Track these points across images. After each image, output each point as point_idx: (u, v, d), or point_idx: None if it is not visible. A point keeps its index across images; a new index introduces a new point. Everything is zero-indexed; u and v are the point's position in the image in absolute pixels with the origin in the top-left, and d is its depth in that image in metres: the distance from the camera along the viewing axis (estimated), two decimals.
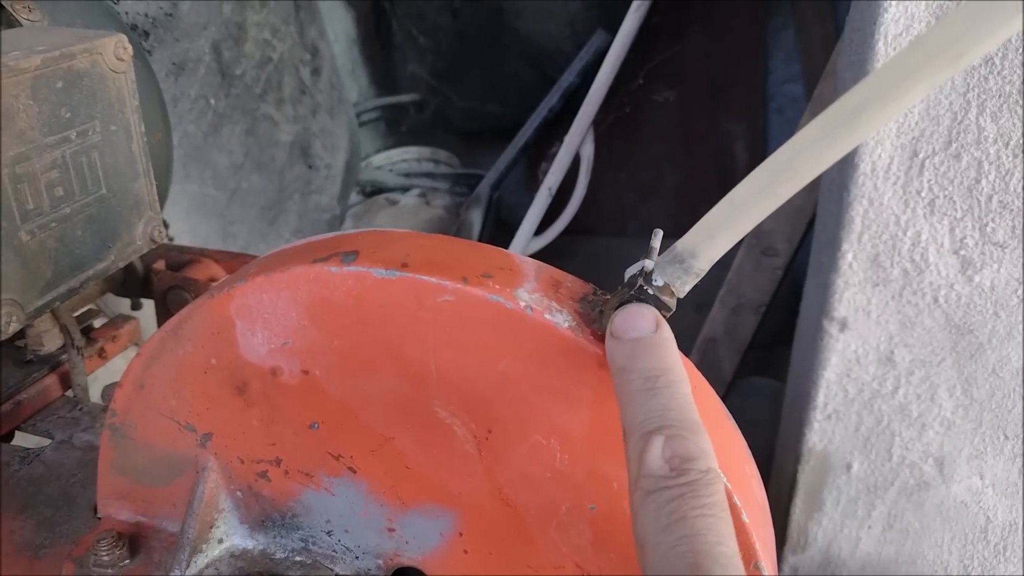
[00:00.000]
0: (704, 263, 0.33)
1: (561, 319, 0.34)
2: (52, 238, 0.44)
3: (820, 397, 0.90)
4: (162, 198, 0.67)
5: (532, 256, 0.42)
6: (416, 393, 0.37)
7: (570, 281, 0.37)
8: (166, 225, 0.96)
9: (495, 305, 0.34)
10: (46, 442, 0.55)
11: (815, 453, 0.97)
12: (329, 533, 0.43)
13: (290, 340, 0.38)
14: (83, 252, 0.47)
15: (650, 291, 0.33)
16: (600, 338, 0.34)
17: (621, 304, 0.34)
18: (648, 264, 0.34)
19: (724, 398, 1.41)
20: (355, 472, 0.40)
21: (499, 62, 1.49)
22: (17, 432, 0.57)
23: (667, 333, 0.32)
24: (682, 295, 0.33)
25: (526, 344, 0.34)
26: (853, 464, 0.96)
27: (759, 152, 1.71)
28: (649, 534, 0.26)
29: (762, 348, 1.49)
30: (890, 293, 0.76)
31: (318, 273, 0.36)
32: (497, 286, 0.34)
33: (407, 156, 1.70)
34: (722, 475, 0.28)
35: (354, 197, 1.62)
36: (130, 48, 0.46)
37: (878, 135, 0.66)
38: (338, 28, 1.45)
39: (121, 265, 0.51)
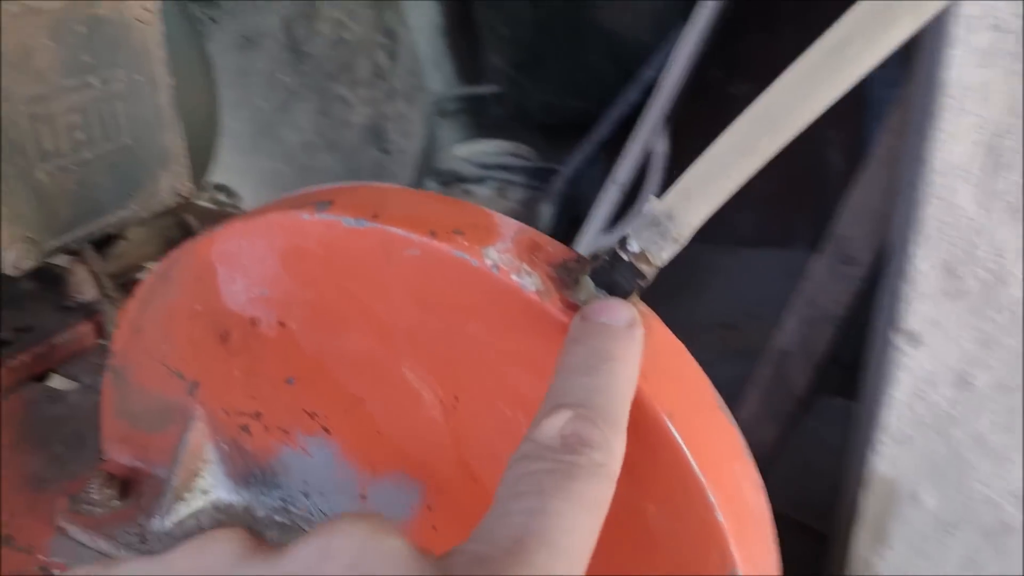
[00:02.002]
0: (683, 227, 0.30)
1: (529, 282, 0.32)
2: (71, 181, 0.46)
3: (887, 418, 0.83)
4: (208, 160, 0.68)
5: None
6: (385, 352, 0.36)
7: (552, 246, 0.35)
8: (232, 194, 0.99)
9: (460, 262, 0.32)
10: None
11: (880, 480, 0.89)
12: (306, 495, 0.42)
13: (266, 290, 0.37)
14: (104, 198, 0.48)
15: (625, 258, 0.31)
16: (570, 306, 0.32)
17: (595, 271, 0.31)
18: (626, 229, 0.31)
19: (797, 416, 1.33)
20: (329, 432, 0.39)
21: (578, 55, 1.46)
22: (55, 375, 0.59)
23: (638, 333, 0.29)
24: (660, 264, 0.31)
25: (491, 306, 0.32)
26: (923, 496, 0.88)
27: (858, 159, 1.61)
28: (500, 498, 0.23)
29: (847, 366, 1.40)
30: (967, 306, 0.69)
31: (291, 220, 0.35)
32: (466, 243, 0.33)
33: (488, 148, 1.70)
34: (616, 482, 0.25)
35: (431, 185, 1.63)
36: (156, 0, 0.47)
37: (953, 128, 0.60)
38: (423, 17, 1.46)
39: (145, 216, 0.52)
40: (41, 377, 0.57)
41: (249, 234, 0.37)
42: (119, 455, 0.47)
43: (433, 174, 1.61)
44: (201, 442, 0.43)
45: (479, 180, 1.61)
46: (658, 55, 1.34)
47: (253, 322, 0.38)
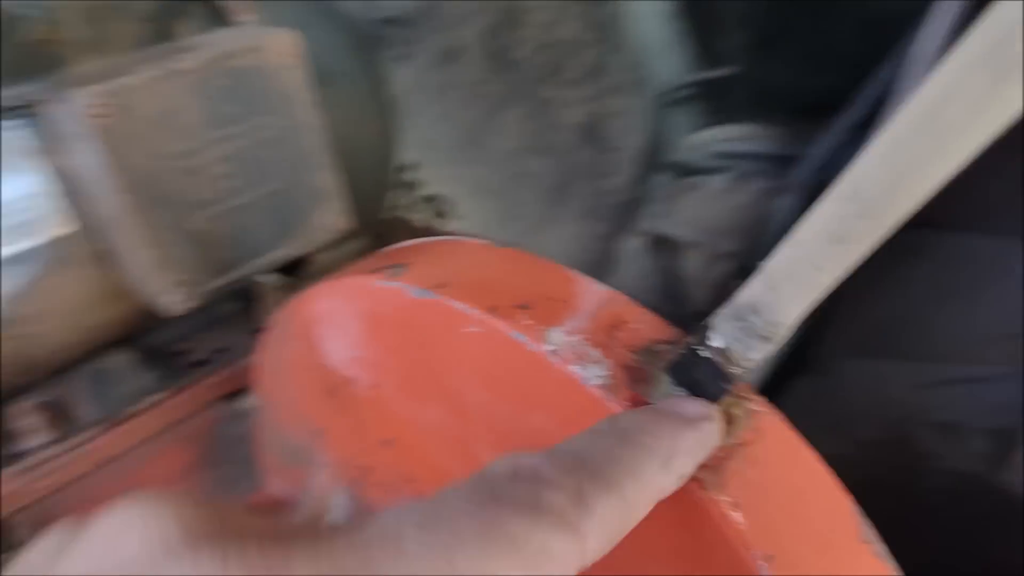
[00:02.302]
0: (775, 326, 0.22)
1: (592, 373, 0.26)
2: (225, 226, 0.48)
3: None
4: (384, 188, 0.70)
5: None
6: (462, 432, 0.32)
7: (643, 322, 0.29)
8: (448, 201, 1.01)
9: (518, 345, 0.28)
10: None
11: None
12: None
13: (359, 351, 0.36)
14: (259, 239, 0.51)
15: (704, 355, 0.24)
16: (642, 405, 0.26)
17: (672, 367, 0.25)
18: (712, 320, 0.24)
19: None
20: None
21: (827, 27, 1.29)
22: (248, 396, 0.64)
23: (706, 427, 0.23)
24: (748, 366, 0.24)
25: (553, 398, 0.28)
26: None
27: None
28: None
29: None
30: None
31: (365, 285, 0.33)
32: (529, 322, 0.28)
33: (724, 135, 1.58)
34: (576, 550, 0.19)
35: (663, 179, 1.56)
36: (299, 45, 0.48)
37: None
38: (650, 3, 1.39)
39: (303, 252, 0.54)
40: (233, 397, 0.62)
41: (336, 296, 0.35)
42: (272, 484, 0.50)
43: (662, 168, 1.53)
44: (326, 487, 0.43)
45: (713, 171, 1.50)
46: (926, 26, 1.14)
47: (352, 381, 0.37)
